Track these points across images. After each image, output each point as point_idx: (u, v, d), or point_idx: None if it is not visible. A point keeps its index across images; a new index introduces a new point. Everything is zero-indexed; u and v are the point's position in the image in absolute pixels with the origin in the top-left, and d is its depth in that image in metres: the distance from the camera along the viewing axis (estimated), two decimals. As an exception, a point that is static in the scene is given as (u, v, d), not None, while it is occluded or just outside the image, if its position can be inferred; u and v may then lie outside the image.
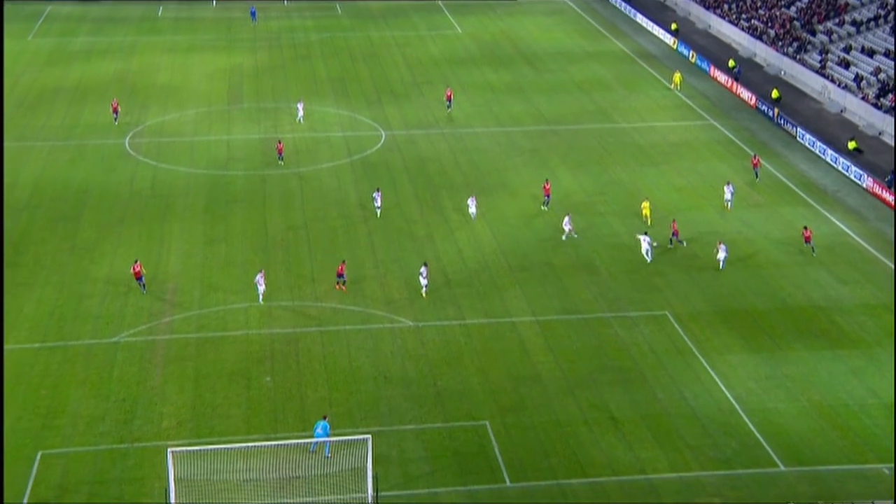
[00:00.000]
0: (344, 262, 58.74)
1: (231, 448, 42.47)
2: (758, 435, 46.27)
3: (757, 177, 73.25)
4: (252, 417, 47.22)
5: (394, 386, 49.72)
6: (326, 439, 42.82)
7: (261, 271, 56.65)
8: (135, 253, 63.00)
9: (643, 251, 61.63)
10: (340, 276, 57.81)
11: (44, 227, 66.14)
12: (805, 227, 62.73)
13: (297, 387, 49.55)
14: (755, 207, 70.43)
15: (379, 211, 67.05)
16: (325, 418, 44.03)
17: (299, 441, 43.13)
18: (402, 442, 45.51)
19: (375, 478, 41.06)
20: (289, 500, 41.26)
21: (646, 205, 66.47)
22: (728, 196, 68.85)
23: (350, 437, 43.07)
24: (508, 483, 43.00)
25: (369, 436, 42.18)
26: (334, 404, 48.13)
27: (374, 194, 68.14)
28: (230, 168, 76.75)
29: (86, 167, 75.99)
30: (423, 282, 56.81)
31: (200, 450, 41.96)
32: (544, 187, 69.23)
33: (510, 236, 65.83)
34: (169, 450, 40.84)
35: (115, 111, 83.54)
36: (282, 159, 75.55)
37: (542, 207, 68.83)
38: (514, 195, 72.10)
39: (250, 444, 43.04)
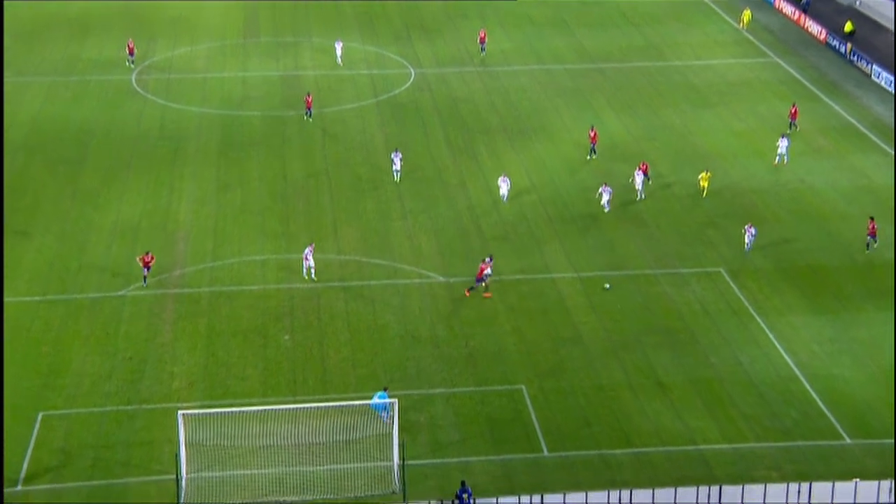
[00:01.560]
0: (490, 258, 53.80)
1: (246, 411, 42.71)
2: (821, 404, 45.98)
3: (796, 128, 71.85)
4: (269, 378, 47.43)
5: (422, 346, 49.75)
6: (385, 404, 42.64)
7: (310, 245, 54.50)
8: (143, 200, 63.20)
9: (603, 202, 60.89)
10: (481, 279, 52.59)
11: (43, 169, 66.42)
12: (871, 219, 57.68)
13: (317, 346, 49.70)
14: (819, 154, 69.56)
15: (398, 175, 64.66)
16: (385, 389, 44.10)
17: (320, 405, 43.31)
18: (430, 407, 45.59)
19: (402, 445, 41.21)
20: (308, 468, 41.53)
21: (704, 176, 63.23)
22: (782, 150, 67.26)
23: (375, 402, 43.16)
24: (546, 452, 43.05)
25: (395, 400, 42.27)
26: (358, 365, 48.27)
27: (392, 155, 65.57)
28: (246, 108, 76.54)
29: (89, 105, 76.13)
30: (487, 271, 52.70)
31: (213, 412, 42.23)
32: (590, 134, 68.59)
33: (550, 184, 65.43)
34: (179, 412, 41.14)
35: (131, 52, 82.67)
36: (310, 115, 72.91)
37: (588, 157, 68.31)
38: (555, 140, 71.58)
39: (267, 408, 43.24)
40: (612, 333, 50.81)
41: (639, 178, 62.94)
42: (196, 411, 42.17)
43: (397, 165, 64.66)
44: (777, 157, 67.12)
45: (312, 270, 53.80)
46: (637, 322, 51.69)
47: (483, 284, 52.40)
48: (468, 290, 52.64)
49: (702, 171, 63.89)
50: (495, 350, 49.49)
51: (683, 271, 56.13)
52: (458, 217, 61.60)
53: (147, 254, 53.82)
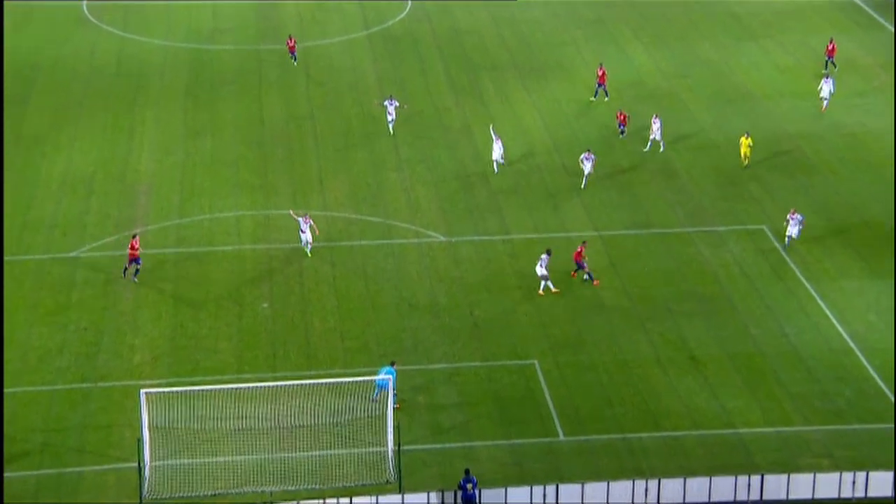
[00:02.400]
0: (583, 244, 51.99)
1: (219, 390, 42.62)
2: (879, 381, 45.86)
3: (835, 66, 71.20)
4: (245, 352, 47.35)
5: (420, 315, 49.66)
6: (387, 380, 42.54)
7: (305, 216, 52.98)
8: (98, 147, 62.89)
9: (585, 171, 58.60)
10: (580, 265, 51.13)
11: (-17, 113, 66.29)
12: None
13: (300, 315, 49.61)
14: (880, 92, 69.12)
15: (392, 125, 63.67)
16: (392, 365, 43.97)
17: (303, 382, 43.23)
18: (430, 384, 45.53)
19: (397, 428, 41.22)
20: (290, 454, 41.55)
21: (745, 141, 60.44)
22: (825, 94, 66.34)
23: (366, 378, 43.17)
24: (562, 436, 43.04)
25: (390, 377, 42.21)
26: (346, 337, 48.17)
27: (385, 101, 64.45)
28: (217, 41, 76.13)
29: (32, 35, 75.79)
30: (543, 272, 50.59)
31: (181, 391, 42.10)
32: (598, 73, 68.00)
33: (567, 129, 65.10)
34: (142, 391, 41.09)
35: None
36: (295, 58, 72.57)
37: (593, 98, 67.91)
38: (573, 78, 71.20)
39: (243, 386, 43.16)
40: (638, 301, 50.65)
41: (655, 127, 62.09)
42: (161, 390, 42.05)
43: (392, 114, 63.67)
44: (823, 103, 66.54)
45: (309, 246, 52.59)
46: (667, 287, 51.51)
47: (584, 270, 51.55)
48: (574, 272, 51.76)
49: (742, 135, 61.01)
50: (504, 319, 49.38)
51: (720, 229, 55.93)
52: (462, 167, 61.31)
53: (134, 238, 50.94)
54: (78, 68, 71.96)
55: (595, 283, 51.26)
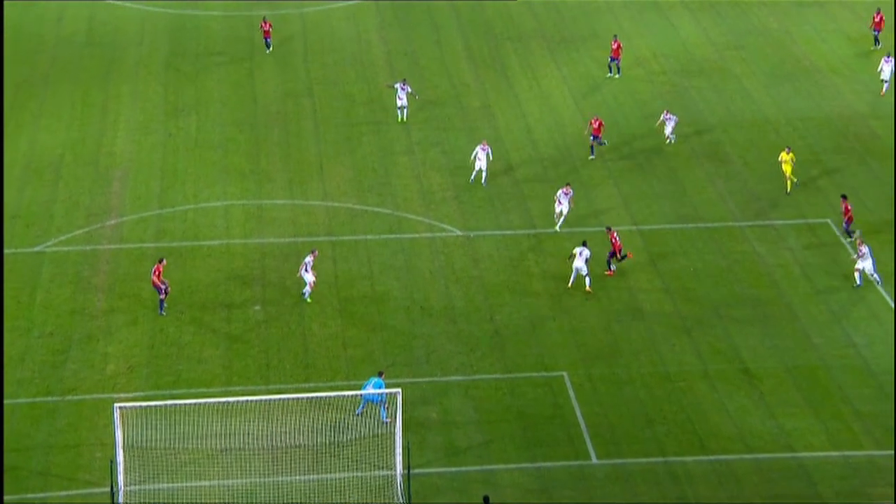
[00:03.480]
0: (611, 232, 52.25)
1: (204, 404, 42.70)
2: (957, 398, 45.93)
3: (879, 44, 70.93)
4: (234, 361, 47.53)
5: (434, 320, 49.81)
6: (380, 393, 42.99)
7: (312, 252, 50.89)
8: (66, 125, 63.09)
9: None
10: (611, 257, 51.71)
11: (-62, 88, 66.65)
12: None
13: (297, 320, 49.76)
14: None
15: (403, 113, 63.43)
16: (380, 375, 44.22)
17: (300, 396, 43.36)
18: (445, 399, 45.66)
19: (407, 449, 41.35)
20: (285, 478, 41.72)
21: (786, 157, 57.68)
22: (886, 75, 65.89)
23: (372, 392, 43.27)
24: (595, 460, 43.10)
25: (399, 390, 42.24)
26: (350, 345, 48.31)
27: (396, 84, 64.11)
28: (202, 6, 76.30)
29: (-3, 4, 76.12)
30: (582, 268, 50.72)
31: (160, 405, 42.17)
32: (612, 46, 67.72)
33: (602, 109, 65.13)
34: (116, 405, 41.16)
35: None
36: (269, 45, 70.79)
37: (608, 76, 67.82)
38: (609, 50, 71.15)
39: (231, 399, 43.26)
40: (682, 305, 50.69)
41: (669, 126, 61.06)
42: (137, 404, 42.06)
43: (403, 100, 63.25)
44: (884, 86, 66.08)
45: (308, 289, 50.27)
46: (716, 290, 51.55)
47: (615, 258, 51.79)
48: (610, 272, 52.07)
49: (782, 151, 58.34)
50: (529, 326, 49.48)
51: (778, 223, 55.92)
52: (482, 151, 61.51)
53: (160, 262, 49.55)
54: (43, 36, 72.24)
55: (629, 255, 52.01)
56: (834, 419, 44.77)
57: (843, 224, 54.29)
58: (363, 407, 43.79)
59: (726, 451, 43.38)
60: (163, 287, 49.34)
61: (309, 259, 50.19)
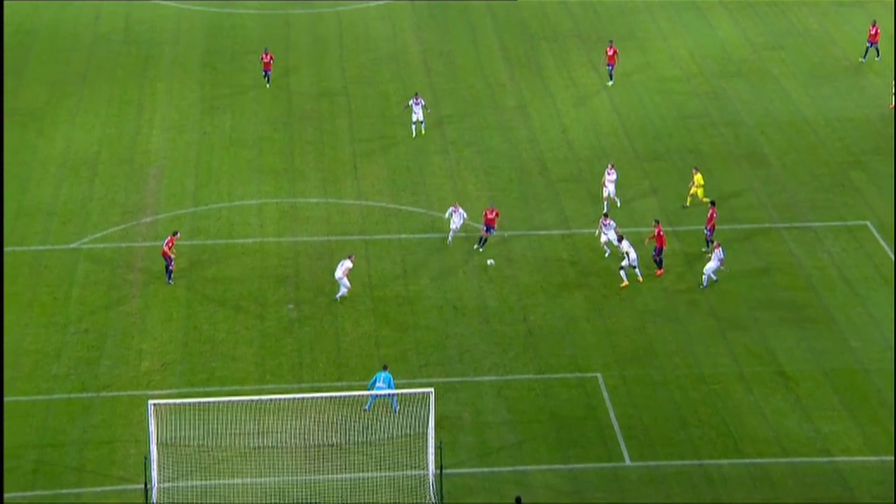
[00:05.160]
0: (657, 225, 52.00)
1: (237, 402, 42.94)
2: None
3: (877, 55, 69.84)
4: (267, 359, 47.71)
5: (467, 320, 49.85)
6: (390, 391, 43.50)
7: (350, 257, 50.63)
8: (102, 123, 63.44)
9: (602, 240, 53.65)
10: (658, 254, 51.64)
11: (-25, 85, 67.07)
12: None
13: (330, 319, 49.87)
14: None
15: (418, 127, 62.26)
16: (385, 369, 44.41)
17: (333, 395, 43.48)
18: (477, 399, 45.68)
19: (439, 449, 41.39)
20: (317, 476, 41.83)
21: (696, 178, 56.24)
22: None
23: (405, 391, 43.38)
24: (628, 461, 43.06)
25: (431, 389, 42.29)
26: (383, 344, 48.42)
27: (410, 102, 62.73)
28: (239, 4, 76.53)
29: (32, -1, 76.68)
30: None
31: (194, 403, 42.41)
32: (608, 52, 66.63)
33: (639, 110, 65.06)
34: (150, 402, 41.36)
35: None
36: (268, 79, 67.54)
37: (609, 83, 66.99)
38: (648, 51, 71.11)
39: (264, 398, 43.40)
40: (718, 306, 50.56)
41: (609, 178, 56.06)
42: (171, 401, 42.31)
43: (419, 114, 62.25)
44: (893, 99, 64.98)
45: (343, 292, 50.30)
46: (751, 292, 51.40)
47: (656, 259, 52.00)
48: (660, 271, 52.07)
49: (692, 168, 57.44)
50: (562, 326, 49.46)
51: (816, 225, 55.72)
52: (516, 151, 61.40)
53: (174, 235, 51.26)
54: (80, 35, 72.55)
55: (659, 272, 51.88)
56: (871, 423, 44.60)
57: (706, 231, 53.21)
58: (371, 403, 43.97)
59: (762, 454, 43.27)
60: (171, 258, 50.20)
61: (349, 264, 49.89)
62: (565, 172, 59.66)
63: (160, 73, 68.73)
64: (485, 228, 53.32)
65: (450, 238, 54.04)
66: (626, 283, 51.32)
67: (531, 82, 67.95)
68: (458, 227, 54.22)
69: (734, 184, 58.75)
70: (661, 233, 51.90)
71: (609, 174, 56.12)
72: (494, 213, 53.39)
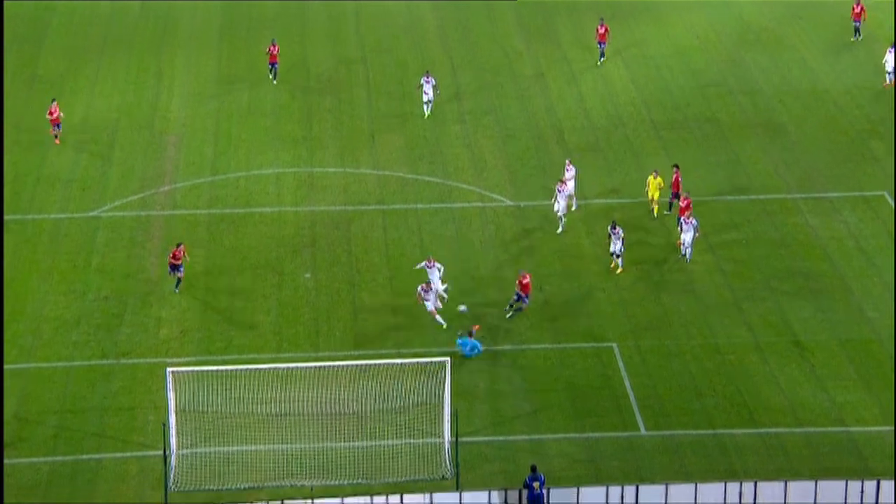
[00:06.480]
0: (677, 171, 52.19)
1: (254, 370, 43.03)
2: None
3: (859, 36, 69.35)
4: (285, 328, 47.90)
5: (484, 290, 49.92)
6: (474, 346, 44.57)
7: (429, 259, 48.66)
8: (121, 90, 63.56)
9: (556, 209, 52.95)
10: (674, 197, 50.84)
11: (-7, 52, 67.21)
12: None
13: (347, 287, 50.05)
14: None
15: (429, 107, 61.82)
16: (470, 336, 45.29)
17: (349, 363, 43.65)
18: (493, 368, 45.80)
19: (455, 417, 41.50)
20: (333, 444, 41.94)
21: (653, 181, 53.70)
22: (890, 67, 63.78)
23: (421, 360, 43.49)
24: (643, 430, 43.16)
25: (448, 358, 42.41)
26: (399, 313, 48.53)
27: (422, 80, 62.01)
28: (256, -26, 76.70)
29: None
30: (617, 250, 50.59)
31: (212, 370, 42.63)
32: (598, 31, 66.15)
33: (656, 80, 64.95)
34: (169, 369, 41.57)
35: None
36: (275, 73, 65.29)
37: (599, 62, 66.41)
38: (663, 22, 70.95)
39: (281, 366, 43.48)
40: (733, 277, 50.58)
41: (568, 175, 54.09)
42: (190, 368, 42.54)
43: (429, 94, 61.44)
44: (887, 77, 64.15)
45: (433, 306, 47.62)
46: (768, 262, 51.40)
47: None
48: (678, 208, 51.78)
49: (650, 174, 54.34)
50: (578, 296, 49.54)
51: (833, 195, 55.63)
52: (533, 120, 61.39)
53: (178, 247, 49.13)
54: (97, 9, 72.60)
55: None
56: (886, 393, 44.58)
57: (670, 195, 52.70)
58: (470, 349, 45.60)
59: (776, 423, 43.32)
60: (180, 266, 48.77)
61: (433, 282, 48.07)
62: (582, 142, 59.62)
63: (178, 44, 68.87)
64: (517, 297, 47.89)
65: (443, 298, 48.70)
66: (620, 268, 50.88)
67: (548, 51, 67.86)
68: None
69: (751, 153, 58.67)
70: (678, 179, 51.78)
71: (567, 170, 54.00)
72: (528, 279, 47.92)
